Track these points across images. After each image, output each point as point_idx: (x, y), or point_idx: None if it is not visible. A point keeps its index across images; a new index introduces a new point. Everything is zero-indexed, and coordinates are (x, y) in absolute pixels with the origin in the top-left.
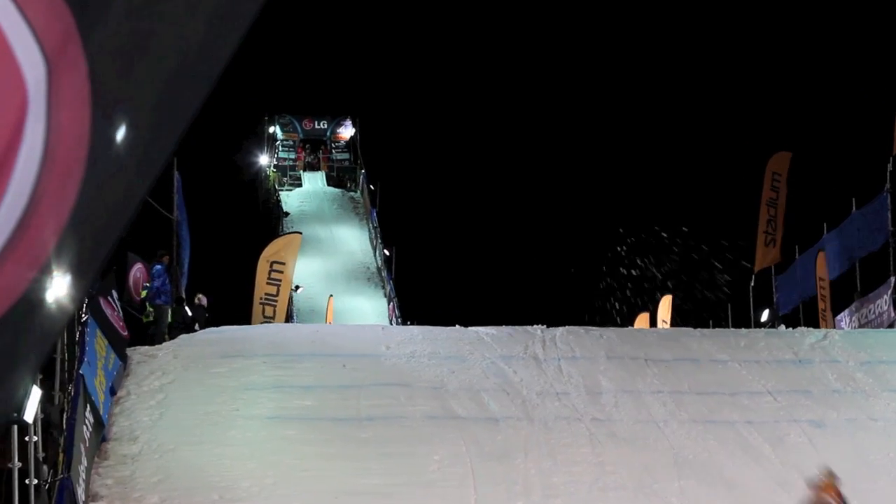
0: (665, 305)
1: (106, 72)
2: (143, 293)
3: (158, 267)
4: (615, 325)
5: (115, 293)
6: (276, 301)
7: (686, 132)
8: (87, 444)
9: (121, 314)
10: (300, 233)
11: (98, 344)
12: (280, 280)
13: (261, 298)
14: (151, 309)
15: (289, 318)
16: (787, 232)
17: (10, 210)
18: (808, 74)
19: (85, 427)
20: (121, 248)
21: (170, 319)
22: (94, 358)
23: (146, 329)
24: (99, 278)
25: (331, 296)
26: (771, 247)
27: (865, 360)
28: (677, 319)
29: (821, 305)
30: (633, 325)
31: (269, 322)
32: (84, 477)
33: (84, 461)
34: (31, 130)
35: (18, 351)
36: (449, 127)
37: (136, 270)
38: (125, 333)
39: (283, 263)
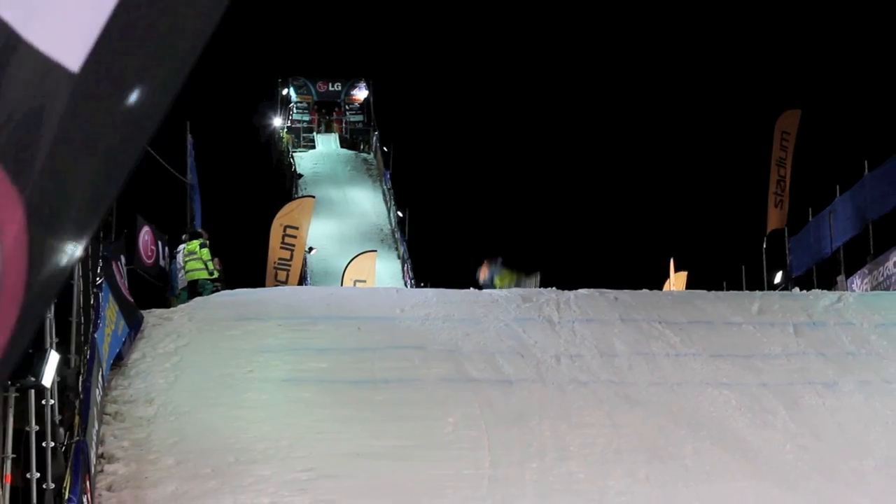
0: (678, 280)
1: None
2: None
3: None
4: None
5: (123, 258)
6: (289, 266)
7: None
8: (99, 408)
9: (126, 280)
10: (313, 196)
11: (109, 309)
12: (294, 245)
13: (275, 263)
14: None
15: (302, 280)
16: (799, 193)
17: None
18: (820, 35)
19: (98, 391)
20: (130, 211)
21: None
22: (104, 324)
23: (163, 293)
24: (112, 241)
25: (374, 251)
26: (779, 208)
27: (880, 323)
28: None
29: None
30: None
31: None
32: (95, 440)
33: (96, 424)
34: None
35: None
36: (462, 88)
37: (145, 233)
38: (130, 300)
39: (297, 228)
